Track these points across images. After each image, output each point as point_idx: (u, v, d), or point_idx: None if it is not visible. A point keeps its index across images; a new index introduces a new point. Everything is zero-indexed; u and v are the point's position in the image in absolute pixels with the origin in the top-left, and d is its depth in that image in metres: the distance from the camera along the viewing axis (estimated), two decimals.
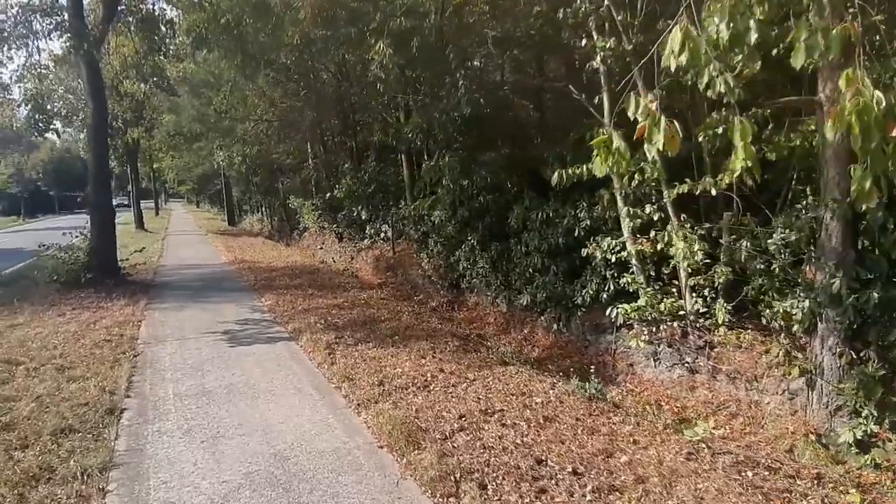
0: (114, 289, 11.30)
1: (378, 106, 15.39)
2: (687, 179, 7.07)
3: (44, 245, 12.22)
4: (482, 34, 8.97)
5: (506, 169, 9.63)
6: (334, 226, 18.60)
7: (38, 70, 10.82)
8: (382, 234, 15.70)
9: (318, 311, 9.40)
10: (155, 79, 17.43)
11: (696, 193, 7.16)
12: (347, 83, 17.41)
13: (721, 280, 7.07)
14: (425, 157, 14.77)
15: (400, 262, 14.75)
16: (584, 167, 7.12)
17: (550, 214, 8.92)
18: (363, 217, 15.92)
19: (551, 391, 6.20)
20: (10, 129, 11.32)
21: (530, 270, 9.68)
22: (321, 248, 21.00)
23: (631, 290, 8.00)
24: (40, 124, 11.06)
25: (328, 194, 16.99)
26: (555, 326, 9.55)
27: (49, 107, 11.36)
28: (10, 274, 13.57)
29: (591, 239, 8.20)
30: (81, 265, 11.57)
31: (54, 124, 11.97)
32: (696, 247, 7.03)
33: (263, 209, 33.89)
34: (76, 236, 12.32)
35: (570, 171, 6.23)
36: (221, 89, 15.59)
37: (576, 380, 6.53)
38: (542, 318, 9.85)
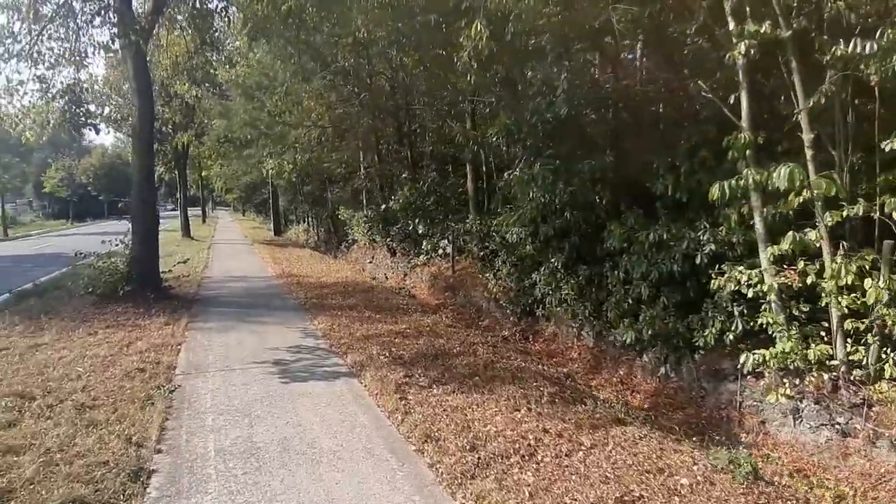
0: (153, 303, 10.30)
1: (441, 111, 14.24)
2: (860, 199, 5.58)
3: (81, 253, 11.38)
4: (580, 23, 7.64)
5: (602, 181, 8.25)
6: (387, 239, 17.46)
7: (77, 58, 9.98)
8: (440, 250, 14.46)
9: (379, 340, 8.15)
10: (206, 84, 16.75)
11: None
12: (405, 88, 16.37)
13: (893, 325, 5.56)
14: (493, 168, 13.53)
15: (461, 281, 13.45)
16: (732, 182, 5.74)
17: (664, 236, 7.46)
18: (420, 231, 14.72)
19: (694, 467, 4.76)
20: (55, 128, 10.36)
21: (629, 301, 8.22)
22: (370, 263, 19.91)
23: (761, 331, 6.54)
24: (77, 119, 10.22)
25: (383, 206, 15.87)
26: (661, 370, 8.06)
27: (86, 98, 10.47)
28: (46, 283, 12.80)
29: (717, 267, 6.72)
30: (120, 276, 10.64)
31: (92, 119, 11.09)
32: (870, 283, 5.54)
33: (310, 220, 33.17)
34: (116, 244, 11.43)
35: (722, 185, 4.81)
36: (276, 91, 14.71)
37: (723, 452, 5.05)
38: (644, 358, 8.38)
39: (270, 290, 12.83)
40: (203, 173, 46.44)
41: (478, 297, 12.58)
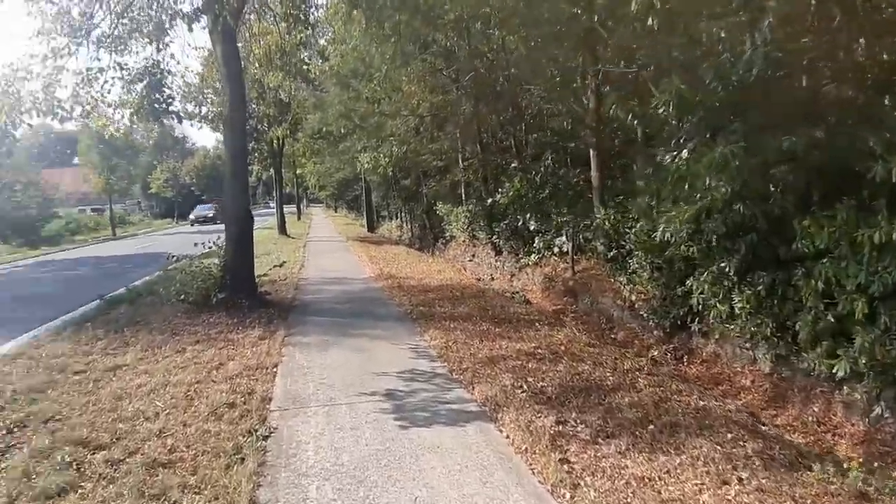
0: (248, 312, 9.35)
1: (554, 92, 12.52)
2: None
3: (172, 256, 10.67)
4: None
5: (795, 163, 6.27)
6: (492, 236, 15.95)
7: (157, 34, 9.11)
8: (556, 249, 12.76)
9: (508, 363, 6.64)
10: (299, 78, 15.91)
11: None
12: (511, 68, 14.75)
13: None
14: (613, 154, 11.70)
15: (583, 284, 11.70)
16: None
17: (894, 236, 5.43)
18: (531, 227, 13.09)
19: None
20: (134, 117, 9.59)
21: (831, 319, 6.23)
22: (471, 261, 18.50)
23: None
24: (158, 105, 9.39)
25: (489, 200, 14.33)
26: (876, 409, 6.04)
27: (168, 83, 9.63)
28: (140, 287, 12.27)
29: None
30: (213, 282, 9.77)
31: (174, 106, 10.28)
32: None
33: (403, 215, 32.29)
34: (209, 246, 10.64)
35: None
36: (373, 77, 13.56)
37: None
38: (845, 391, 6.38)
39: (371, 295, 11.65)
40: (297, 171, 47.07)
41: (607, 304, 10.80)
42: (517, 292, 12.18)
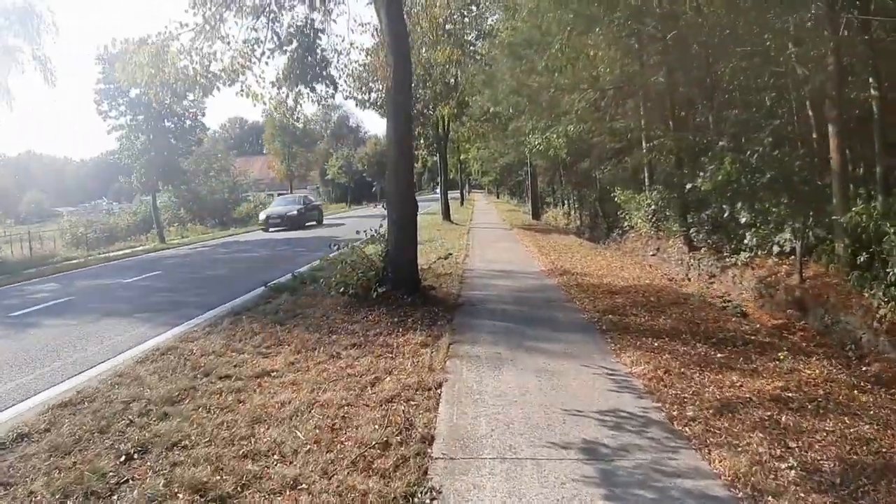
0: (410, 310, 8.35)
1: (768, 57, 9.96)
2: None
3: (335, 244, 10.04)
4: None
5: None
6: (686, 229, 13.62)
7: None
8: (776, 248, 10.27)
9: (750, 413, 4.78)
10: (466, 55, 14.72)
11: None
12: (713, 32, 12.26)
13: None
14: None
15: (817, 296, 9.20)
16: None
17: None
18: (742, 219, 10.67)
19: None
20: (284, 81, 8.90)
21: None
22: (654, 256, 16.23)
23: None
24: (310, 71, 8.61)
25: (688, 185, 12.00)
26: None
27: (321, 46, 8.84)
28: (305, 273, 11.90)
29: None
30: (374, 274, 8.92)
31: (328, 73, 9.50)
32: None
33: (571, 202, 30.25)
34: (372, 232, 9.86)
35: None
36: (550, 45, 11.94)
37: None
38: None
39: (546, 294, 10.13)
40: (461, 157, 46.85)
41: (853, 323, 8.29)
42: (729, 301, 9.92)
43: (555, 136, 15.62)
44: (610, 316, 8.17)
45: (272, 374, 5.93)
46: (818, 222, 9.26)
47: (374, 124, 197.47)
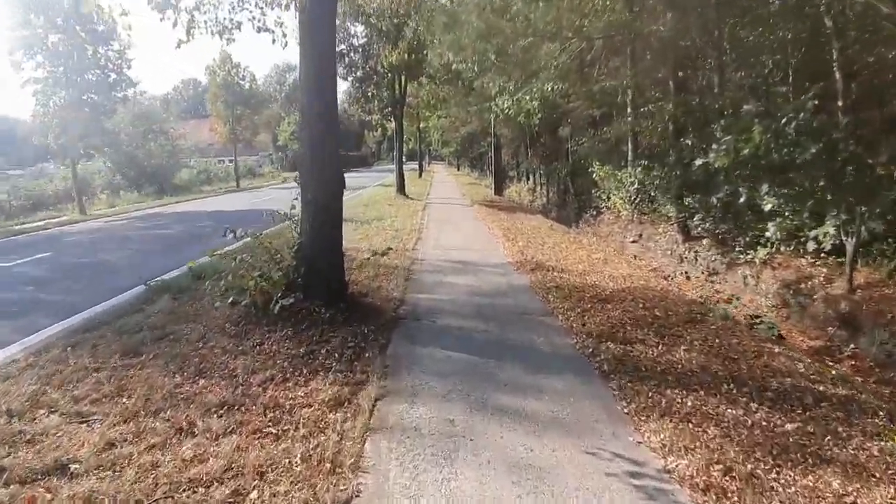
0: (327, 332, 5.77)
1: None
2: None
3: (230, 231, 7.10)
4: None
5: None
6: (683, 215, 11.33)
7: None
8: (811, 244, 8.04)
9: None
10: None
11: None
12: None
13: None
14: None
15: (874, 310, 7.00)
16: None
17: None
18: (767, 206, 8.38)
19: None
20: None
21: None
22: (635, 243, 13.99)
23: None
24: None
25: (699, 161, 9.45)
26: None
27: None
28: (206, 265, 9.03)
29: None
30: (282, 276, 6.28)
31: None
32: None
33: (537, 177, 27.82)
34: (284, 217, 7.08)
35: None
36: None
37: None
38: None
39: (517, 300, 7.64)
40: (421, 125, 43.78)
41: None
42: (757, 317, 7.60)
43: (528, 97, 13.02)
44: (609, 344, 5.76)
45: (67, 472, 3.35)
46: (873, 214, 7.05)
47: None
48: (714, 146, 8.79)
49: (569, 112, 16.22)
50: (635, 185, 13.99)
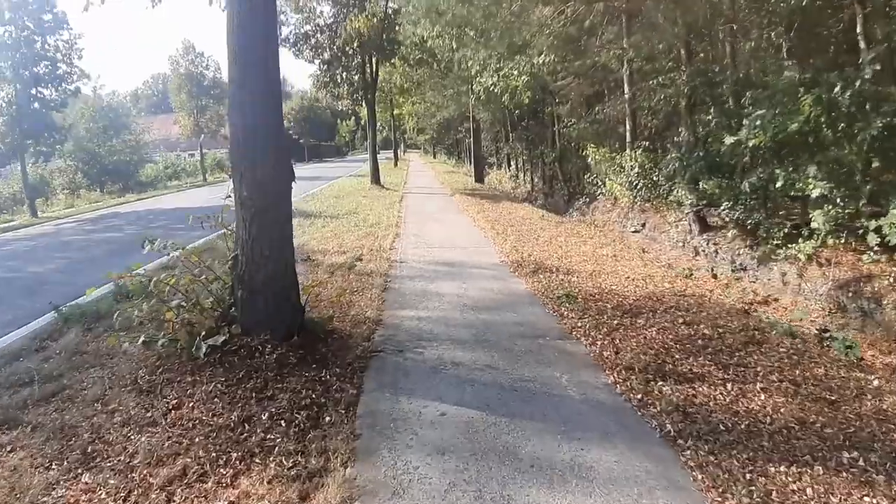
0: (272, 380, 4.16)
1: None
2: None
3: (150, 240, 5.33)
4: None
5: None
6: (703, 202, 9.89)
7: None
8: (875, 237, 6.65)
9: None
10: None
11: None
12: None
13: None
14: None
15: None
16: None
17: None
18: (814, 191, 6.97)
19: None
20: None
21: None
22: (638, 233, 12.58)
23: None
24: None
25: (729, 140, 7.90)
26: None
27: None
28: (137, 283, 7.22)
29: None
30: (213, 304, 4.65)
31: None
32: None
33: (520, 163, 26.29)
34: (219, 225, 5.38)
35: None
36: None
37: None
38: None
39: (523, 316, 6.10)
40: (395, 111, 41.95)
41: None
42: (826, 330, 6.17)
43: (516, 72, 11.44)
44: (660, 383, 4.26)
45: None
46: None
47: (300, 77, 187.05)
48: (746, 122, 7.32)
49: (560, 90, 14.64)
50: (636, 170, 12.56)
